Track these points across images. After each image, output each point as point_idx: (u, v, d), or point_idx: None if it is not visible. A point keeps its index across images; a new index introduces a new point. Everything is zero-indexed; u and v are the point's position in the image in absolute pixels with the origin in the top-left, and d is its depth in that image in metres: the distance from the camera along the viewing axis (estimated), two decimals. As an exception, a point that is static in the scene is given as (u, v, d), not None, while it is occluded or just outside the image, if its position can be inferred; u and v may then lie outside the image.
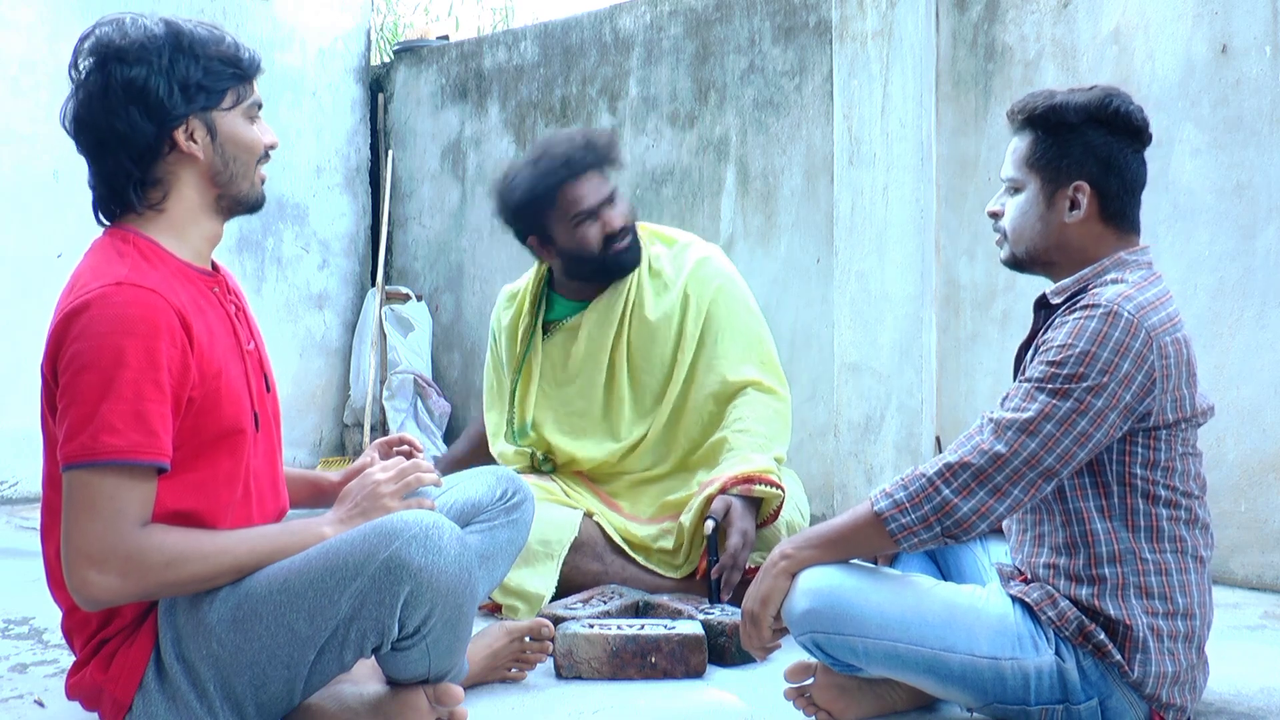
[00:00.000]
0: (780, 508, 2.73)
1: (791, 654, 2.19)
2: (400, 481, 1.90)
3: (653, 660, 2.31)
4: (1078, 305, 1.89)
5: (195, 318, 1.77)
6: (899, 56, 3.87)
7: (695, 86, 4.58)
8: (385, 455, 2.15)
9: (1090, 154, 1.94)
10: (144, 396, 1.67)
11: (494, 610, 2.69)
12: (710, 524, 2.61)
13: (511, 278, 5.36)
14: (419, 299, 5.61)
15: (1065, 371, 1.83)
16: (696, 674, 2.32)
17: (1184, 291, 3.33)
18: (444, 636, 1.78)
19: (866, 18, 3.95)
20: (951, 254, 3.86)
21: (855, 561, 1.99)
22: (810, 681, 2.05)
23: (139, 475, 1.68)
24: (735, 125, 4.45)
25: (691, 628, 2.36)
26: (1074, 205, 1.95)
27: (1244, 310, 3.27)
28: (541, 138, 3.07)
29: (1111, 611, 1.86)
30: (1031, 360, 1.93)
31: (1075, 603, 1.89)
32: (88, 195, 1.86)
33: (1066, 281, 1.99)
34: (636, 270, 2.96)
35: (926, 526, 1.85)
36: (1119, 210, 1.97)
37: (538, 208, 2.86)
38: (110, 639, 1.80)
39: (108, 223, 1.86)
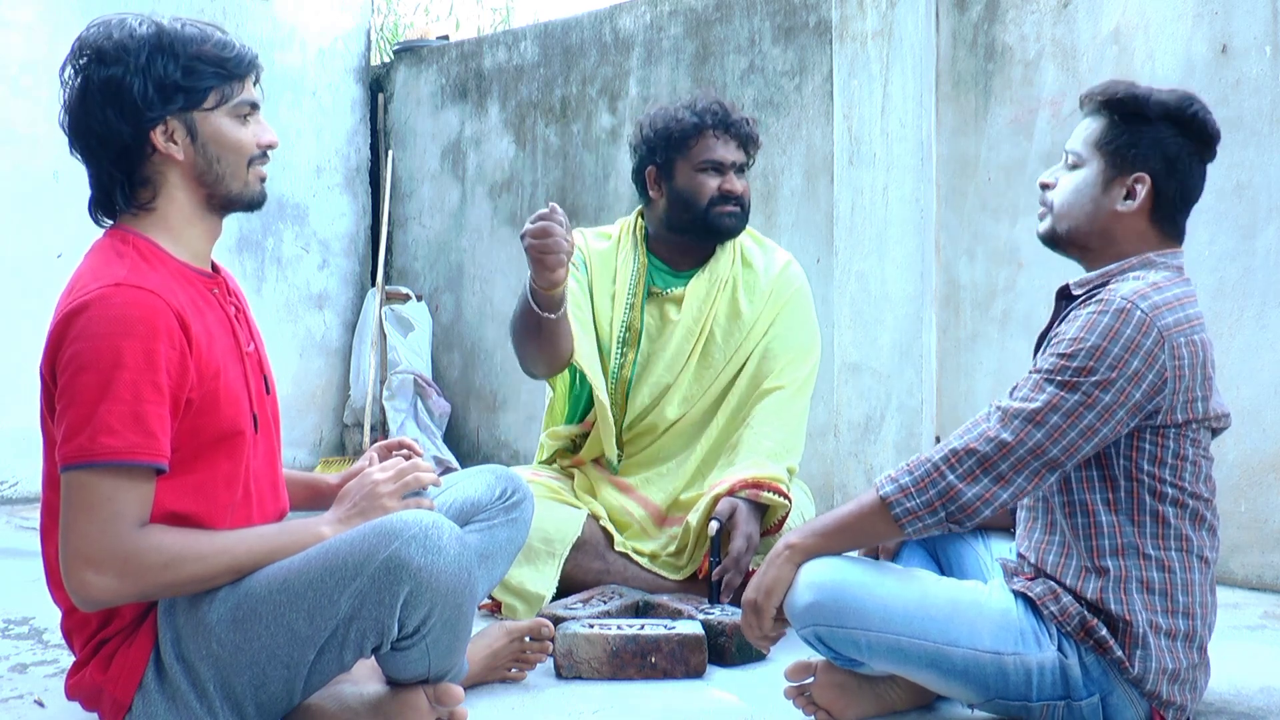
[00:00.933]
0: (785, 517, 2.73)
1: (792, 653, 2.19)
2: (399, 482, 1.90)
3: (653, 660, 2.31)
4: (1093, 299, 1.90)
5: (194, 319, 1.76)
6: (899, 56, 3.87)
7: (695, 86, 4.57)
8: (384, 459, 2.14)
9: (1159, 149, 1.95)
10: (142, 398, 1.67)
11: (494, 609, 2.69)
12: (715, 525, 2.61)
13: (512, 278, 5.40)
14: (419, 299, 5.61)
15: (1075, 365, 1.84)
16: (696, 674, 2.32)
17: (1184, 291, 3.33)
18: (443, 636, 1.78)
19: (866, 18, 3.95)
20: (951, 254, 3.86)
21: (858, 555, 1.99)
22: (810, 681, 2.05)
23: (137, 476, 1.68)
24: (735, 125, 4.44)
25: (691, 628, 2.36)
26: (1130, 195, 1.95)
27: (1244, 310, 3.27)
28: (704, 89, 3.09)
29: (1113, 607, 1.87)
30: (1044, 351, 1.94)
31: (1078, 597, 1.90)
32: (88, 195, 1.86)
33: (1091, 274, 2.00)
34: (735, 255, 2.96)
35: (931, 511, 1.86)
36: (1169, 214, 1.98)
37: (676, 139, 2.88)
38: (110, 639, 1.80)
39: (104, 223, 1.86)
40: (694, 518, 2.72)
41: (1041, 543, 1.98)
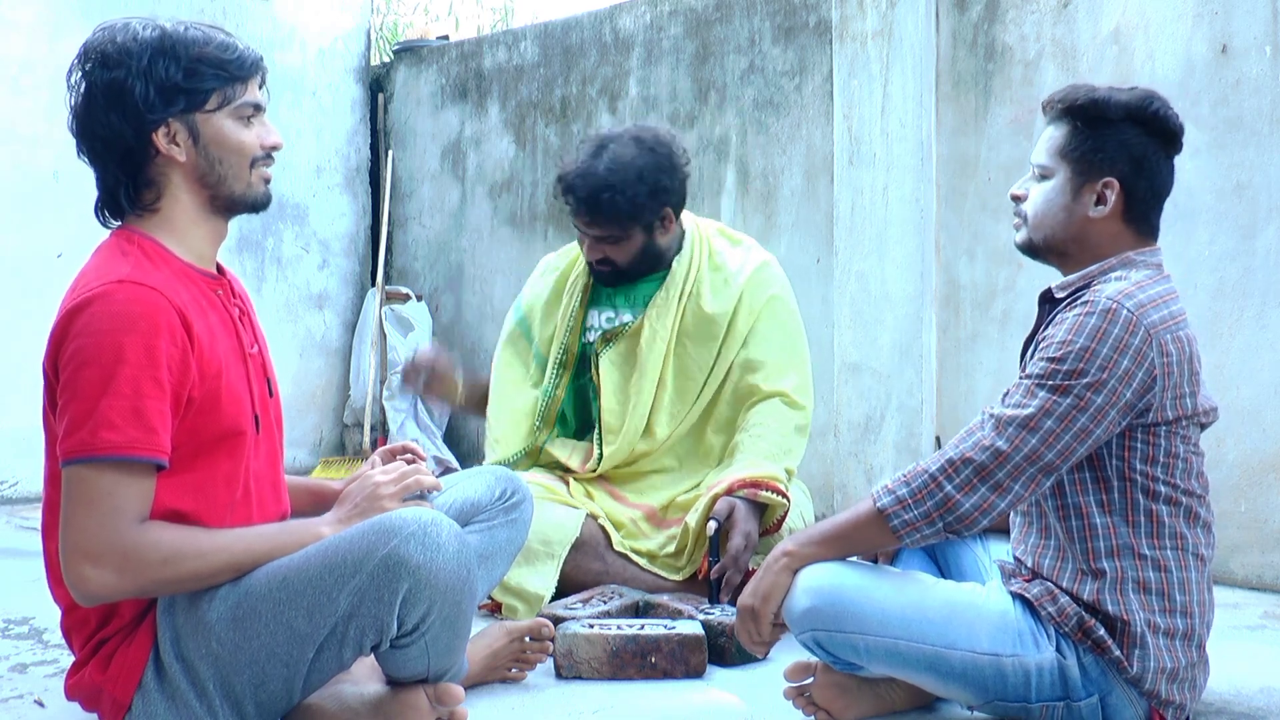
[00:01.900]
0: (784, 517, 2.73)
1: (792, 654, 2.19)
2: (400, 484, 1.90)
3: (653, 660, 2.31)
4: (1078, 301, 1.90)
5: (196, 318, 1.77)
6: (899, 56, 3.88)
7: (695, 86, 4.58)
8: (388, 463, 2.14)
9: (1124, 152, 1.95)
10: (143, 394, 1.67)
11: (494, 610, 2.69)
12: (713, 525, 2.61)
13: (511, 278, 5.40)
14: (419, 299, 5.61)
15: (1065, 368, 1.84)
16: (696, 674, 2.32)
17: (1184, 291, 3.31)
18: (443, 634, 1.78)
19: (866, 18, 3.95)
20: (951, 254, 3.86)
21: (855, 559, 1.99)
22: (810, 681, 2.05)
23: (137, 471, 1.69)
24: (735, 125, 4.45)
25: (691, 628, 2.36)
26: (1100, 200, 1.96)
27: (1244, 310, 3.27)
28: (616, 141, 2.90)
29: (1110, 608, 1.87)
30: (1032, 356, 1.94)
31: (1075, 599, 1.90)
32: (88, 195, 1.86)
33: (1072, 277, 2.00)
34: (697, 261, 2.97)
35: (929, 522, 1.86)
36: (1142, 213, 1.98)
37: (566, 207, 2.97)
38: (109, 639, 1.80)
39: (111, 223, 1.87)
40: (692, 518, 2.72)
41: (1037, 547, 1.98)
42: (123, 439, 1.66)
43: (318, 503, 2.11)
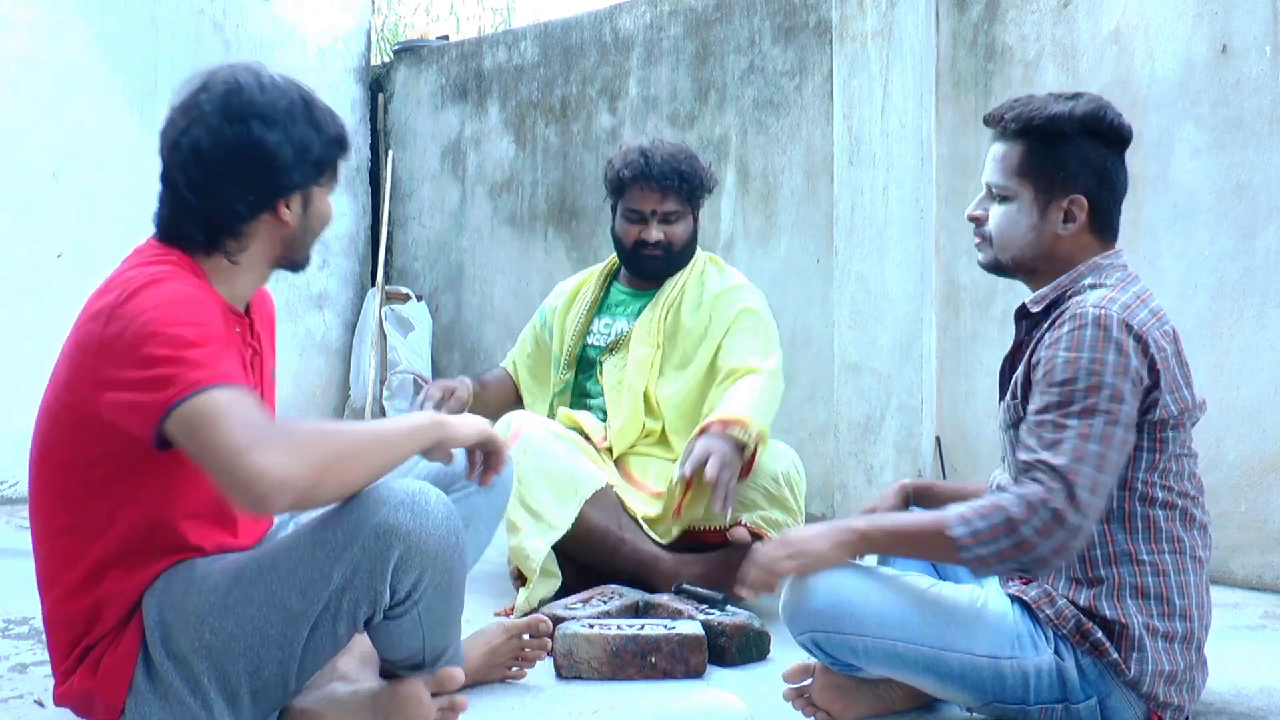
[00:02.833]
0: (754, 458, 2.78)
1: (792, 653, 2.19)
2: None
3: (653, 660, 2.31)
4: (1065, 318, 1.87)
5: None
6: (899, 56, 3.88)
7: (695, 86, 4.58)
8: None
9: (1086, 166, 1.94)
10: (217, 344, 1.67)
11: (518, 579, 2.75)
12: (689, 468, 2.65)
13: (511, 278, 5.41)
14: (419, 299, 5.62)
15: (1080, 386, 1.81)
16: (696, 674, 2.32)
17: (1184, 291, 3.33)
18: (435, 604, 1.79)
19: (866, 18, 3.95)
20: (951, 254, 3.86)
21: (854, 561, 1.99)
22: (809, 682, 2.05)
23: (242, 391, 1.64)
24: (735, 125, 4.45)
25: (691, 628, 2.36)
26: (1069, 218, 1.95)
27: (1244, 310, 3.27)
28: (660, 138, 3.29)
29: (1107, 612, 1.87)
30: (1024, 377, 1.92)
31: (1072, 603, 1.89)
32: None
33: (1044, 290, 1.99)
34: (690, 279, 3.15)
35: (1001, 560, 1.79)
36: (1108, 221, 1.98)
37: (612, 187, 3.17)
38: (95, 645, 1.79)
39: (165, 240, 1.82)
40: (675, 474, 2.79)
41: None
42: (217, 373, 1.62)
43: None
